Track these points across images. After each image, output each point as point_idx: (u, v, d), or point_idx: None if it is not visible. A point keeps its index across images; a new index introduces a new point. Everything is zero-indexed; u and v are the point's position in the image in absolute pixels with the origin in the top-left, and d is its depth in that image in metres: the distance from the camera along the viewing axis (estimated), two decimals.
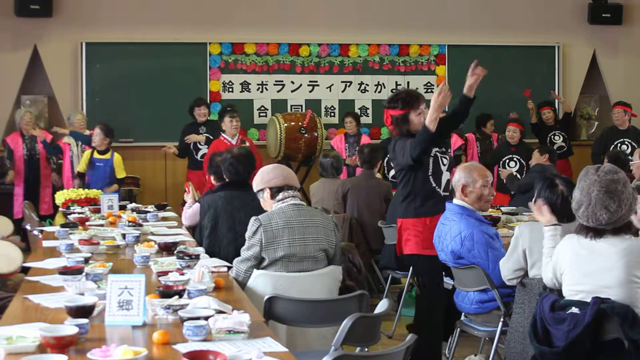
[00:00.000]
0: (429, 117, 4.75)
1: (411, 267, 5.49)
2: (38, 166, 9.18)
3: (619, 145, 9.21)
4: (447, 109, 5.23)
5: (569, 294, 3.52)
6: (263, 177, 4.23)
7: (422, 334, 4.79)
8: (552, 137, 10.11)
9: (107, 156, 8.42)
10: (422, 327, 4.96)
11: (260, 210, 4.22)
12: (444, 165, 5.00)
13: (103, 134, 8.37)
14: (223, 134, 8.56)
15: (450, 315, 5.06)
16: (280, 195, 4.16)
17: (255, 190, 4.28)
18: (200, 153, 9.17)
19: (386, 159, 8.92)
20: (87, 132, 8.93)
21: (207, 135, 9.24)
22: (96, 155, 8.39)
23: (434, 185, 4.95)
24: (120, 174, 8.41)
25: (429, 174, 4.96)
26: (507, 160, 8.89)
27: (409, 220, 5.01)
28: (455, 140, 9.04)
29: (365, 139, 9.53)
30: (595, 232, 3.45)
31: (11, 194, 9.17)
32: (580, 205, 3.43)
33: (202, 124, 9.35)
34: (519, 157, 8.88)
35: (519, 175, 8.64)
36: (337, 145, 9.51)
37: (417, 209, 4.96)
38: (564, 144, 10.08)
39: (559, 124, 10.28)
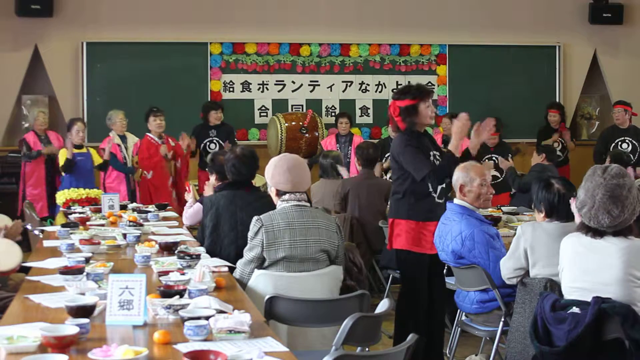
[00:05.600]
0: (454, 146, 4.80)
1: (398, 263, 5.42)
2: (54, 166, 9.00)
3: (619, 143, 9.23)
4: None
5: (567, 291, 3.54)
6: (273, 176, 4.17)
7: (403, 333, 4.76)
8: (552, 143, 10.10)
9: (84, 150, 8.68)
10: (402, 327, 4.89)
11: (263, 211, 4.19)
12: None
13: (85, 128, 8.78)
14: (149, 134, 8.76)
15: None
16: (286, 196, 4.15)
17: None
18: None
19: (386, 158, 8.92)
20: (128, 135, 8.89)
21: (218, 139, 9.24)
22: (75, 150, 8.56)
23: (430, 189, 4.88)
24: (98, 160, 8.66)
25: None
26: (486, 160, 8.89)
27: (401, 221, 4.94)
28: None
29: (357, 140, 9.48)
30: (596, 232, 3.47)
31: (16, 193, 9.07)
32: (584, 206, 3.44)
33: (214, 127, 9.35)
34: (497, 156, 8.88)
35: (520, 173, 8.64)
36: (328, 146, 9.43)
37: (409, 211, 4.88)
38: (560, 154, 10.03)
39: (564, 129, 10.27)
